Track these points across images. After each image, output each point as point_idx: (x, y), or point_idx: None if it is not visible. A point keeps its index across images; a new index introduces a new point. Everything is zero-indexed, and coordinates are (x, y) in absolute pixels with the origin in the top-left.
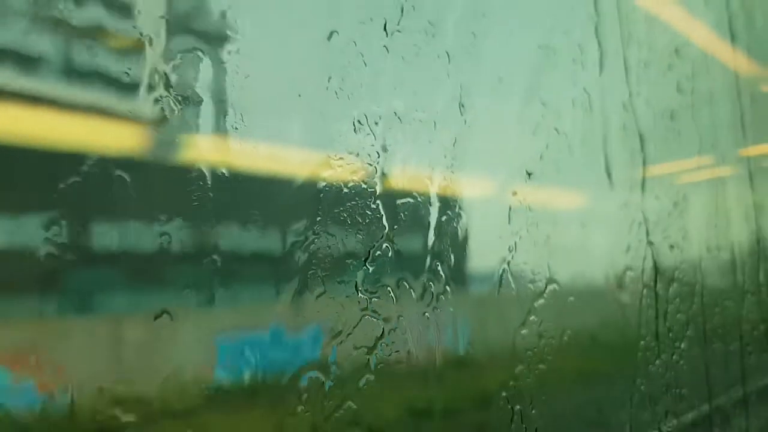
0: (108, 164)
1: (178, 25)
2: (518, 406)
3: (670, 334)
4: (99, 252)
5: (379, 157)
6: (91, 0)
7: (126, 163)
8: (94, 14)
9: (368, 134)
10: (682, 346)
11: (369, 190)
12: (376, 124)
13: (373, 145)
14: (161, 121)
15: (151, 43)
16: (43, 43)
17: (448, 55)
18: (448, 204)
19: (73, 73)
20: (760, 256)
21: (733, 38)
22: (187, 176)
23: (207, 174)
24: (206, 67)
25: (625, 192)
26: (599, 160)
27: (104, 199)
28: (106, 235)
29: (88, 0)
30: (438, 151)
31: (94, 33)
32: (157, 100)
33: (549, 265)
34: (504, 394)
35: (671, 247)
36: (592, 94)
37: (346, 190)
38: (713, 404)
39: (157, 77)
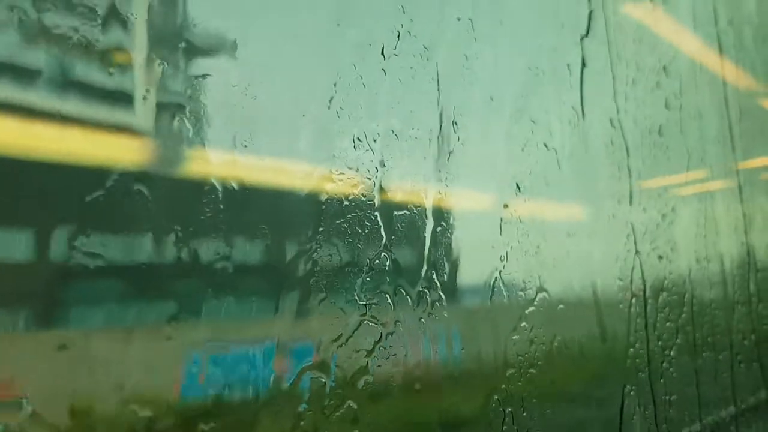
0: (129, 179)
1: (194, 52)
2: (509, 408)
3: (660, 342)
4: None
5: (377, 171)
6: (113, 26)
7: (145, 177)
8: (116, 39)
9: (367, 150)
10: (671, 353)
11: (368, 202)
12: (375, 141)
13: (371, 161)
14: (178, 137)
15: (167, 68)
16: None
17: (442, 76)
18: (442, 216)
19: (100, 92)
20: (750, 267)
21: (721, 51)
22: (201, 190)
23: (219, 187)
24: (218, 90)
25: (614, 204)
26: (588, 174)
27: (126, 211)
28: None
29: (111, 26)
30: (432, 166)
31: (116, 57)
32: (175, 120)
33: (539, 274)
34: (496, 396)
35: (660, 257)
36: (579, 111)
37: (346, 202)
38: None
39: (173, 99)
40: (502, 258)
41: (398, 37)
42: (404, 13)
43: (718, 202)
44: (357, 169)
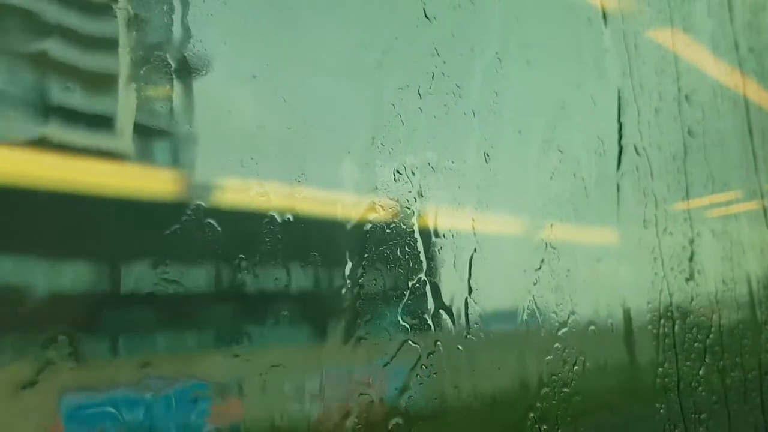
0: (201, 213)
1: (255, 104)
2: (545, 426)
3: (688, 363)
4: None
5: (416, 201)
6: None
7: (216, 212)
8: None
9: (407, 182)
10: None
11: (408, 230)
12: (413, 173)
13: (410, 192)
14: (243, 176)
15: (233, 118)
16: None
17: (473, 112)
18: (477, 242)
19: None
20: None
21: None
22: (261, 220)
23: (277, 218)
24: (275, 132)
25: (640, 229)
26: (615, 199)
27: (197, 243)
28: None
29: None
30: (467, 195)
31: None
32: (241, 162)
33: (570, 297)
34: (532, 415)
35: (687, 280)
36: (605, 140)
37: (388, 230)
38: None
39: (240, 143)
40: (535, 282)
41: (433, 77)
42: (438, 55)
43: (743, 225)
44: (398, 200)
